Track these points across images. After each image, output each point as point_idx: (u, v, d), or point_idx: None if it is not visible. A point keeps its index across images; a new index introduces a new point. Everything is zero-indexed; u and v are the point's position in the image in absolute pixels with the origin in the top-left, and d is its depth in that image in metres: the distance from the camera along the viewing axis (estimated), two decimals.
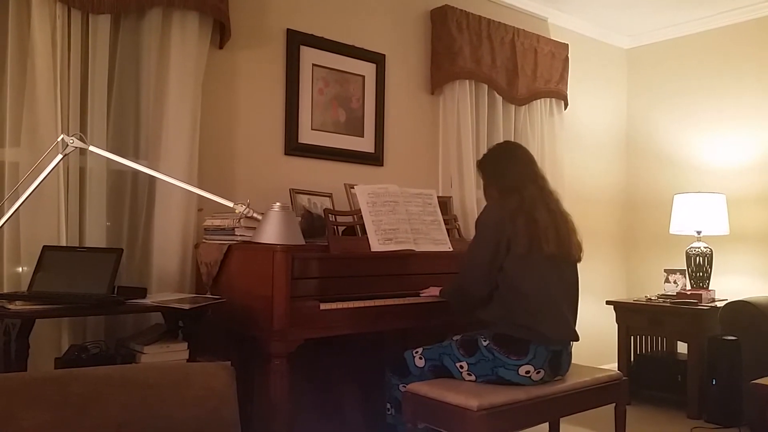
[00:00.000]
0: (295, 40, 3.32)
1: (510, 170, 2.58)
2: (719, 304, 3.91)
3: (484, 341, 2.40)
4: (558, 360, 2.45)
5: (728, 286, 4.40)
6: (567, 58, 4.48)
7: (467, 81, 3.92)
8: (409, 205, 2.94)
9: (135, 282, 2.70)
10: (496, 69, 4.05)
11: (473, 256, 2.50)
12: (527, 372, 2.38)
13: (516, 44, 4.15)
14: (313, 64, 3.39)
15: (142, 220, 2.81)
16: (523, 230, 2.39)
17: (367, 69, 3.62)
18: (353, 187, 2.94)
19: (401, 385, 2.56)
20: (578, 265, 2.60)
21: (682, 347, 4.32)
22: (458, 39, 3.84)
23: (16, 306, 2.11)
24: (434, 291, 2.77)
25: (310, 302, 2.46)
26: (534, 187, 2.52)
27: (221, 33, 3.01)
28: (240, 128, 3.17)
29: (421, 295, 2.79)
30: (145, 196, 2.81)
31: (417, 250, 2.84)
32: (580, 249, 2.57)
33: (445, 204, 3.31)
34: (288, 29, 3.31)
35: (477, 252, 2.48)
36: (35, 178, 2.18)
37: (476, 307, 2.52)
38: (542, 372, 2.41)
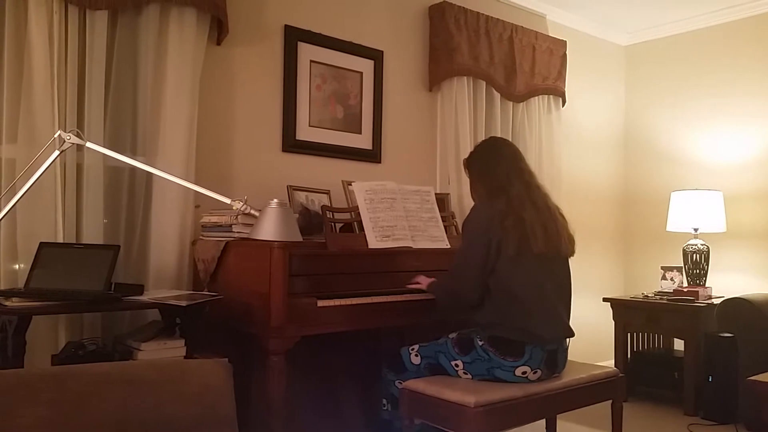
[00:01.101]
0: (293, 37, 3.31)
1: (496, 169, 2.54)
2: (716, 302, 3.91)
3: (480, 341, 2.39)
4: (554, 358, 2.45)
5: (725, 283, 4.41)
6: (565, 55, 4.48)
7: (465, 78, 3.92)
8: (407, 202, 2.94)
9: (132, 279, 2.70)
10: (494, 66, 4.05)
11: (465, 259, 2.45)
12: (524, 372, 2.37)
13: (514, 41, 4.14)
14: (311, 61, 3.39)
15: (139, 217, 2.80)
16: (512, 231, 2.36)
17: (365, 65, 3.61)
18: (351, 184, 2.94)
19: (397, 381, 2.56)
20: (573, 261, 2.58)
21: (678, 344, 4.32)
22: (456, 36, 3.84)
23: (13, 303, 2.11)
24: (423, 282, 2.70)
25: (307, 299, 2.46)
26: (520, 184, 2.49)
27: (219, 29, 3.00)
28: (237, 125, 3.16)
29: (407, 286, 2.73)
30: (143, 193, 2.81)
31: (414, 247, 2.84)
32: (572, 243, 2.54)
33: (442, 201, 3.31)
34: (286, 25, 3.30)
35: (468, 254, 2.44)
36: (32, 175, 2.17)
37: (466, 310, 2.49)
38: (539, 372, 2.40)
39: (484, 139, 3.03)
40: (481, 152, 2.68)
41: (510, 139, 3.70)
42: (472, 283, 2.41)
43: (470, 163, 2.68)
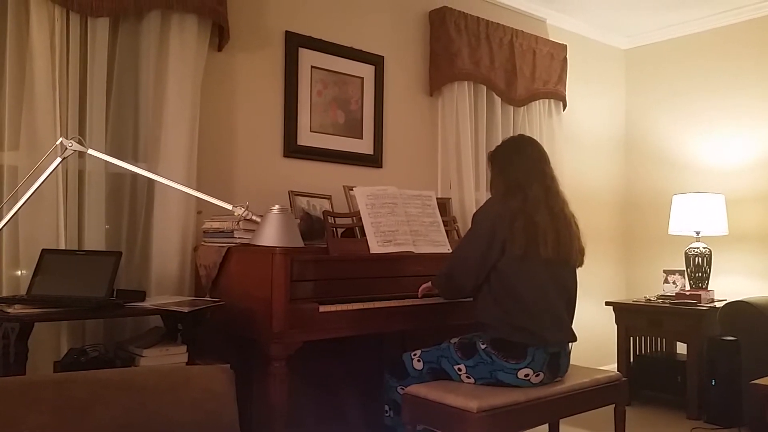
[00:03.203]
0: (294, 42, 3.32)
1: (517, 166, 2.53)
2: (718, 305, 3.91)
3: (482, 344, 2.39)
4: (557, 362, 2.45)
5: (727, 286, 4.40)
6: (565, 59, 4.48)
7: (466, 82, 3.92)
8: (408, 207, 2.94)
9: (134, 285, 2.71)
10: (495, 70, 4.05)
11: (465, 249, 2.48)
12: (526, 375, 2.37)
13: (514, 45, 4.15)
14: (312, 66, 3.40)
15: (141, 223, 2.81)
16: (521, 233, 2.36)
17: (366, 71, 3.62)
18: (352, 189, 2.94)
19: (399, 387, 2.55)
20: (580, 268, 2.57)
21: (681, 348, 4.32)
22: (457, 40, 3.85)
23: (15, 309, 2.11)
24: (428, 285, 2.73)
25: (309, 304, 2.46)
26: (539, 187, 2.47)
27: (220, 35, 3.01)
28: (239, 131, 3.17)
29: (419, 292, 2.76)
30: (144, 199, 2.81)
31: (416, 251, 2.84)
32: (581, 254, 2.53)
33: (444, 205, 3.31)
34: (286, 31, 3.31)
35: (469, 246, 2.47)
36: (34, 182, 2.18)
37: (459, 295, 2.55)
38: (541, 375, 2.40)
39: (512, 135, 3.01)
40: (506, 148, 2.66)
41: None
42: (468, 272, 2.44)
43: (493, 158, 2.66)
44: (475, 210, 3.71)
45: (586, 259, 2.59)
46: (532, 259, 2.37)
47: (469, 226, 2.71)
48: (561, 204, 2.52)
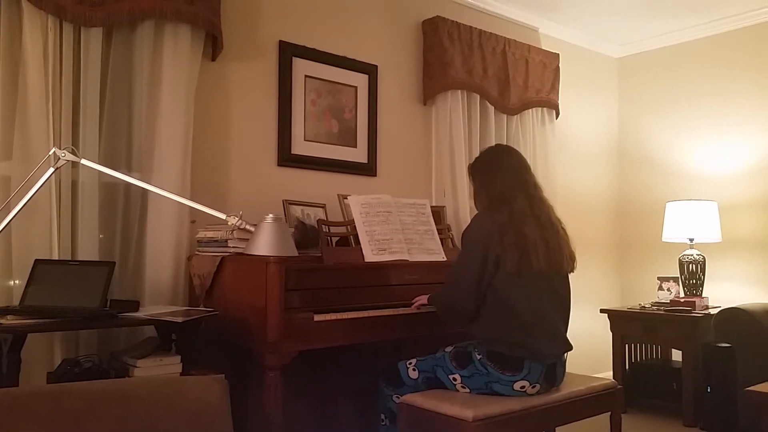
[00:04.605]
0: (288, 52, 3.33)
1: (499, 179, 2.50)
2: (713, 312, 3.91)
3: (478, 355, 2.38)
4: (553, 372, 2.44)
5: (721, 293, 4.42)
6: (558, 68, 4.50)
7: (459, 91, 3.94)
8: (403, 215, 2.94)
9: (128, 295, 2.69)
10: (488, 79, 4.07)
11: (460, 270, 2.44)
12: (522, 387, 2.36)
13: (507, 54, 4.17)
14: (306, 76, 3.40)
15: (134, 233, 2.80)
16: (512, 247, 2.33)
17: (360, 80, 3.63)
18: (346, 198, 2.94)
19: (395, 395, 2.54)
20: (572, 273, 2.56)
21: (676, 355, 4.32)
22: (450, 49, 3.86)
23: (8, 320, 2.10)
24: (423, 299, 2.70)
25: (303, 314, 2.46)
26: (523, 197, 2.45)
27: (213, 45, 3.02)
28: (233, 140, 3.17)
29: (411, 306, 2.74)
30: (138, 209, 2.80)
31: (410, 260, 2.84)
32: (572, 260, 2.51)
33: (438, 214, 3.31)
34: (280, 41, 3.32)
35: (464, 267, 2.42)
36: (27, 192, 2.17)
37: (463, 319, 2.48)
38: (537, 386, 2.39)
39: (490, 146, 2.98)
40: (486, 160, 2.63)
41: None
42: (467, 294, 2.39)
43: (474, 171, 2.63)
44: (469, 218, 3.75)
45: (581, 267, 2.58)
46: (525, 273, 2.35)
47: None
48: (547, 211, 2.50)
